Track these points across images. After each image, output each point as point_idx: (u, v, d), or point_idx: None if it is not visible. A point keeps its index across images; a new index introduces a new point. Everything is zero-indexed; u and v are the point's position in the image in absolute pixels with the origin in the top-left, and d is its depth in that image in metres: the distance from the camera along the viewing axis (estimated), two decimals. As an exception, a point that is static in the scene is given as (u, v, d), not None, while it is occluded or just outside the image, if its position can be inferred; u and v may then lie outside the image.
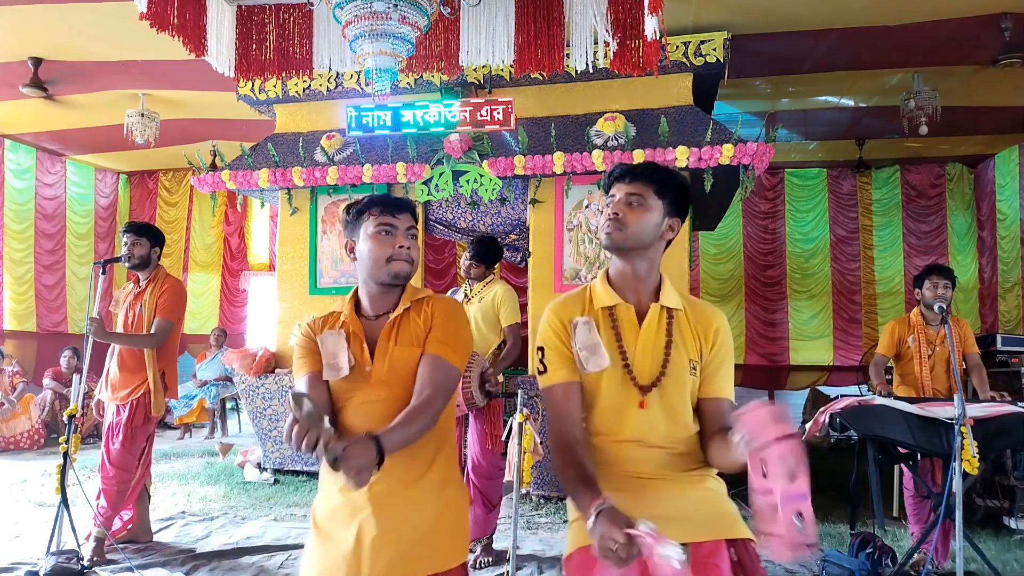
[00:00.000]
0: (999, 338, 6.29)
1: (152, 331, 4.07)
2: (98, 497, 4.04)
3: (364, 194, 6.21)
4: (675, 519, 1.59)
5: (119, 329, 4.18)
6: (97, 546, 3.90)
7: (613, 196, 1.74)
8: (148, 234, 4.17)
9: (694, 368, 1.70)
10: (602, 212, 1.78)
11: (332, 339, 1.84)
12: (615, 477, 1.66)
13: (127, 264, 4.12)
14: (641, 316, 1.72)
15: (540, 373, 1.72)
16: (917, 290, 4.29)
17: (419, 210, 6.41)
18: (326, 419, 1.52)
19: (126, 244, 4.10)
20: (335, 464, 1.46)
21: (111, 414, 4.10)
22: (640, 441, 1.67)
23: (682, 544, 1.55)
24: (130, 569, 3.70)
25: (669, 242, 1.78)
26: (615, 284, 1.76)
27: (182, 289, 4.27)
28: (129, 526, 4.20)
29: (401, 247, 1.83)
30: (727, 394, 1.72)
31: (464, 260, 4.24)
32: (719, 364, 1.72)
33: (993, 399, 3.96)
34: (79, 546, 3.74)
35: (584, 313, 1.73)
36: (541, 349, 1.74)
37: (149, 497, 4.37)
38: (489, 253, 4.23)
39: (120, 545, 4.04)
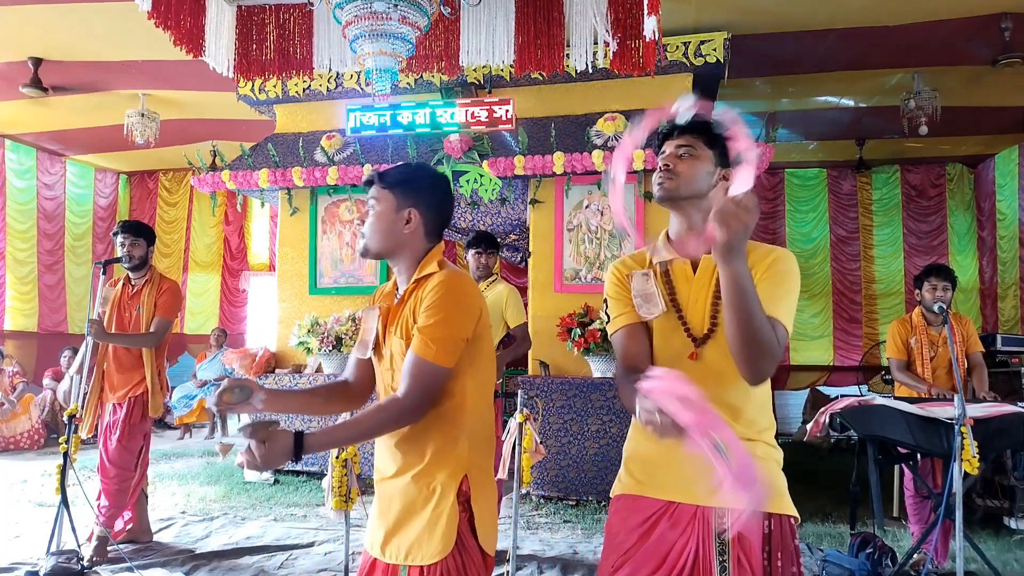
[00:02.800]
0: (999, 338, 6.29)
1: (151, 330, 4.08)
2: (99, 497, 4.05)
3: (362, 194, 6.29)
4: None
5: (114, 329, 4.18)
6: (99, 545, 3.90)
7: (663, 152, 1.76)
8: (145, 234, 4.17)
9: None
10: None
11: (368, 315, 1.88)
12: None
13: (126, 265, 4.12)
14: (696, 269, 1.72)
15: (606, 323, 1.80)
16: (917, 291, 4.28)
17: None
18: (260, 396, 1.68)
19: (123, 245, 4.08)
20: (249, 432, 1.54)
21: (108, 413, 4.10)
22: None
23: (719, 507, 1.56)
24: (130, 569, 3.70)
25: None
26: (674, 242, 1.77)
27: (179, 289, 4.33)
28: (129, 527, 4.20)
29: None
30: (776, 313, 1.56)
31: (476, 258, 4.19)
32: (768, 283, 1.60)
33: (987, 397, 3.97)
34: (79, 546, 3.74)
35: (643, 268, 1.76)
36: (606, 302, 1.81)
37: (147, 498, 4.38)
38: (494, 241, 4.29)
39: (120, 545, 4.04)
